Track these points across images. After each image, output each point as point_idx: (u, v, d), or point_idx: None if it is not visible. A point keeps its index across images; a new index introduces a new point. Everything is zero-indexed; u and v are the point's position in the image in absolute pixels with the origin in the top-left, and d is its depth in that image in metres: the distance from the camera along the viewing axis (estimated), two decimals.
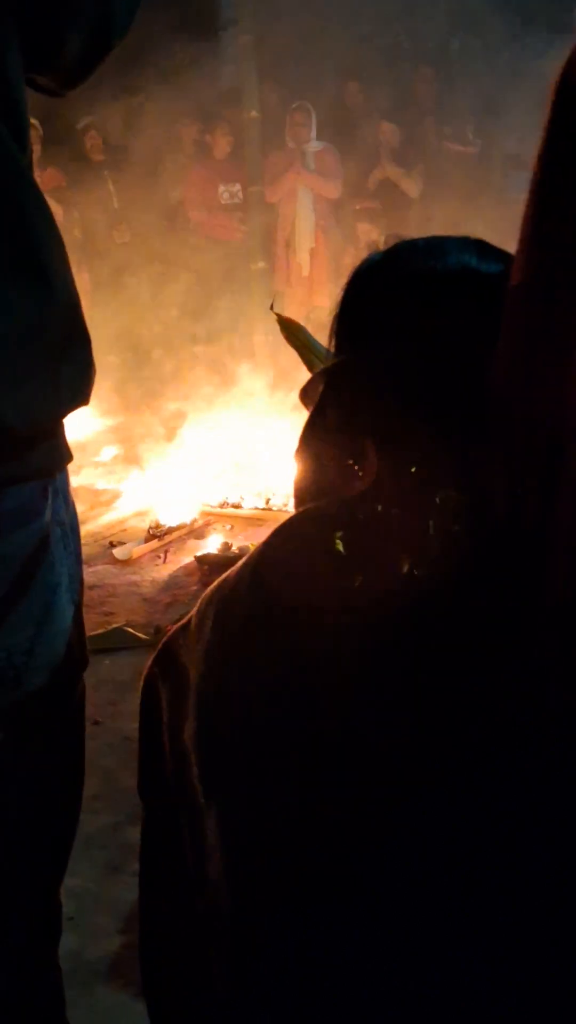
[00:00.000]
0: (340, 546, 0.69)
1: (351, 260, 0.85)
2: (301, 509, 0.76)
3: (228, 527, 4.55)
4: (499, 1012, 0.60)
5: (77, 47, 0.94)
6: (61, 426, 1.03)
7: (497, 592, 0.60)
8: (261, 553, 0.75)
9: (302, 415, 0.78)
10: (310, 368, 0.93)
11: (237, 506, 4.67)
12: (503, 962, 0.60)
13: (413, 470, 0.66)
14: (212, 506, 4.69)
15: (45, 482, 1.00)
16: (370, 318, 0.77)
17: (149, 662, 0.86)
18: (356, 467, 0.71)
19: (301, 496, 0.77)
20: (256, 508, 4.61)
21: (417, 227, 5.82)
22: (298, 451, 0.77)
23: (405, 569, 0.64)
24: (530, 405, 0.59)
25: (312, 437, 0.75)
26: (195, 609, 0.80)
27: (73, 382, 0.99)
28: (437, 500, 0.64)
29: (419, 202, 6.12)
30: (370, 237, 6.10)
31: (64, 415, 1.01)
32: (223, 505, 4.67)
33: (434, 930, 0.61)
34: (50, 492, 1.01)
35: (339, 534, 0.69)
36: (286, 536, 0.74)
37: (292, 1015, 0.67)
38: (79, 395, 1.01)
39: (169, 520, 4.56)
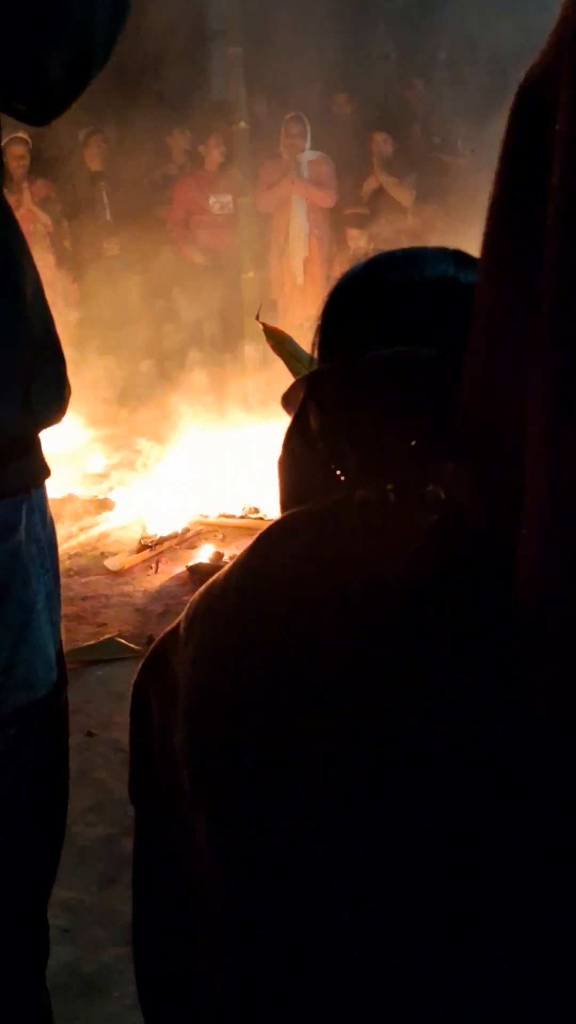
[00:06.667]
0: (355, 519, 0.69)
1: (344, 269, 0.86)
2: (289, 512, 0.77)
3: (220, 536, 4.55)
4: (500, 1012, 0.60)
5: (57, 77, 0.92)
6: (37, 442, 1.02)
7: (481, 588, 0.61)
8: (250, 554, 0.76)
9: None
10: (296, 376, 0.94)
11: (229, 516, 4.67)
12: (507, 966, 0.60)
13: (413, 443, 0.67)
14: (204, 515, 4.69)
15: (19, 499, 0.99)
16: (350, 328, 0.78)
17: (139, 667, 0.86)
18: (339, 472, 0.71)
19: (286, 502, 0.78)
20: (249, 517, 4.61)
21: (407, 236, 5.86)
22: (281, 457, 0.78)
23: (408, 541, 0.65)
24: (494, 422, 0.60)
25: (295, 443, 0.76)
26: (184, 614, 0.80)
27: (45, 399, 0.99)
28: (439, 472, 0.64)
29: (408, 212, 6.16)
30: (358, 243, 6.15)
31: (36, 432, 1.01)
32: (219, 516, 4.68)
33: (433, 927, 0.61)
34: (24, 509, 1.00)
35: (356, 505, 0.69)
36: (277, 532, 0.75)
37: (290, 1014, 0.67)
38: (52, 412, 1.00)
39: (161, 530, 4.56)
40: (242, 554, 0.76)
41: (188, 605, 0.80)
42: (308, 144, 6.34)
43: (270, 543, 0.75)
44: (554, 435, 0.53)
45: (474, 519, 0.62)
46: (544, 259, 0.52)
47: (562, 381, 0.52)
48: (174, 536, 4.53)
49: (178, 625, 0.80)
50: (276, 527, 0.76)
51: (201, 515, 4.70)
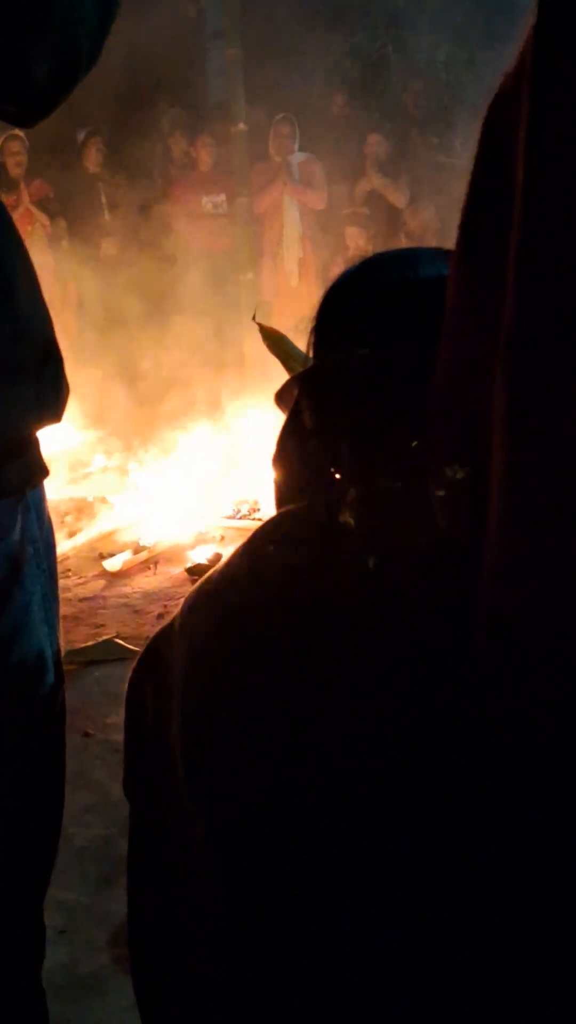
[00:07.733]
0: (350, 518, 0.69)
1: (339, 270, 0.87)
2: (284, 508, 0.77)
3: (219, 537, 4.54)
4: (498, 1010, 0.60)
5: (42, 78, 0.91)
6: (35, 442, 1.02)
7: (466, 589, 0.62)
8: (244, 551, 0.76)
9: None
10: (292, 376, 0.95)
11: (229, 517, 4.67)
12: (504, 961, 0.60)
13: (414, 444, 0.67)
14: (208, 517, 4.68)
15: (15, 499, 0.99)
16: (346, 327, 0.79)
17: (135, 662, 0.86)
18: (333, 470, 0.72)
19: (281, 498, 0.78)
20: (250, 518, 4.61)
21: (406, 236, 5.86)
22: (276, 454, 0.78)
23: (421, 547, 0.65)
24: (459, 424, 0.60)
25: (289, 440, 0.76)
26: (179, 609, 0.80)
27: (43, 399, 0.99)
28: (446, 473, 0.64)
29: (407, 213, 6.16)
30: (358, 243, 6.15)
31: (33, 431, 1.01)
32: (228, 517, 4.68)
33: (432, 922, 0.61)
34: (21, 509, 1.00)
35: (350, 503, 0.69)
36: (272, 530, 0.75)
37: (287, 1008, 0.67)
38: (50, 412, 1.00)
39: (159, 533, 4.56)
40: (237, 551, 0.77)
41: (183, 601, 0.80)
42: (297, 145, 6.34)
43: (265, 541, 0.75)
44: (511, 439, 0.54)
45: (442, 514, 0.63)
46: (506, 271, 0.53)
47: (519, 387, 0.53)
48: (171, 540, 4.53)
49: (173, 621, 0.81)
50: (271, 525, 0.76)
51: (213, 516, 4.68)
